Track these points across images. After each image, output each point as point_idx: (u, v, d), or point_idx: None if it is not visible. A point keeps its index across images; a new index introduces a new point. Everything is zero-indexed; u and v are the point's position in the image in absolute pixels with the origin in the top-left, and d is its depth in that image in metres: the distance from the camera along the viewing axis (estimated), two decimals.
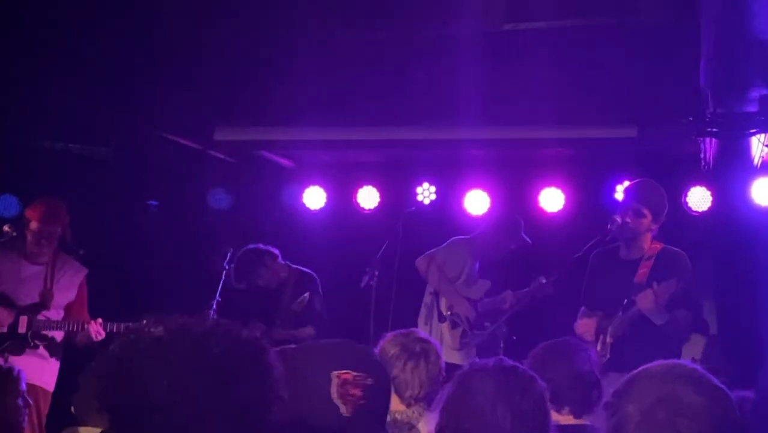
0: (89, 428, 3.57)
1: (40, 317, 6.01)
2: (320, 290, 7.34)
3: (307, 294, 7.15)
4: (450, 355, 6.72)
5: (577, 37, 6.15)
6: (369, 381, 2.06)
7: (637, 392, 2.08)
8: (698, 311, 6.61)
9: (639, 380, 2.12)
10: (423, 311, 7.25)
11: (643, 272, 5.54)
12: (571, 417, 3.56)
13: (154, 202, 8.02)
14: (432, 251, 7.17)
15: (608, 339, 5.40)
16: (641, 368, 2.17)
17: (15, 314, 5.96)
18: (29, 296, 6.05)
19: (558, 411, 3.51)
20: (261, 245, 7.34)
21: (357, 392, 2.04)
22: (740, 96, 6.00)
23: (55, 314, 6.08)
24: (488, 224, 7.41)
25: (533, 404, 2.44)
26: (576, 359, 3.61)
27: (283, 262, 7.38)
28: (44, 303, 6.04)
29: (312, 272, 7.40)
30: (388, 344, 3.89)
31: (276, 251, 7.31)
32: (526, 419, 2.40)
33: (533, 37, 6.25)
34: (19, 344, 5.91)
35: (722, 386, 2.09)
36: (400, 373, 3.81)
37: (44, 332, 5.99)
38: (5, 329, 5.90)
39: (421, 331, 4.13)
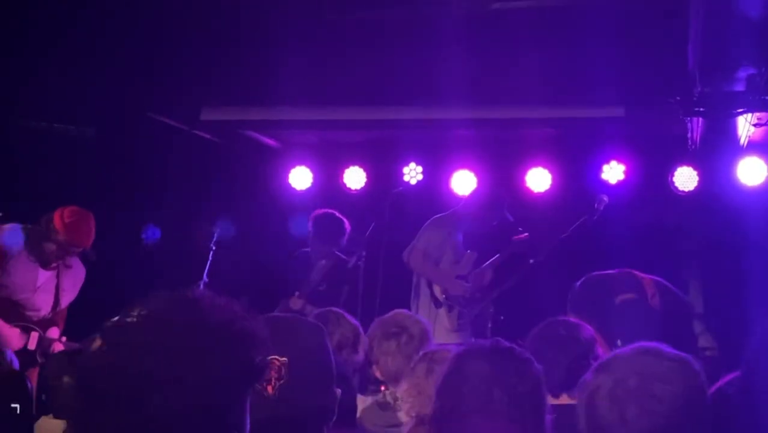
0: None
1: (48, 333, 5.91)
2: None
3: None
4: (448, 337, 6.74)
5: (564, 17, 6.13)
6: (283, 359, 2.12)
7: (611, 366, 2.21)
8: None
9: (613, 358, 2.26)
10: (413, 292, 7.24)
11: None
12: (565, 396, 3.55)
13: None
14: (413, 241, 7.12)
15: None
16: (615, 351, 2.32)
17: (27, 330, 5.84)
18: (42, 307, 5.90)
19: (556, 396, 3.51)
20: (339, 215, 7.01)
21: (271, 373, 2.10)
22: (727, 75, 6.00)
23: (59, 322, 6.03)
24: (473, 198, 7.36)
25: (529, 387, 2.42)
26: (570, 339, 3.59)
27: None
28: (53, 314, 5.97)
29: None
30: (373, 326, 3.93)
31: None
32: (521, 401, 2.38)
33: (520, 17, 6.22)
34: (28, 360, 5.63)
35: (686, 356, 2.24)
36: (377, 353, 3.85)
37: (50, 349, 5.86)
38: (19, 348, 5.72)
39: (408, 311, 4.15)
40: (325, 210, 7.02)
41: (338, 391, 2.28)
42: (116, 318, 1.64)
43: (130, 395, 1.53)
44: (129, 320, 1.61)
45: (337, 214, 6.97)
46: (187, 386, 1.53)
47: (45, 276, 5.90)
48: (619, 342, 5.32)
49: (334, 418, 2.26)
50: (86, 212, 5.84)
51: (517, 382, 2.40)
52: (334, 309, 4.25)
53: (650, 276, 5.28)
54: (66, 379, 3.60)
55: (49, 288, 5.94)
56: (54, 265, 5.91)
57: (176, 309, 1.61)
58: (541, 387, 2.48)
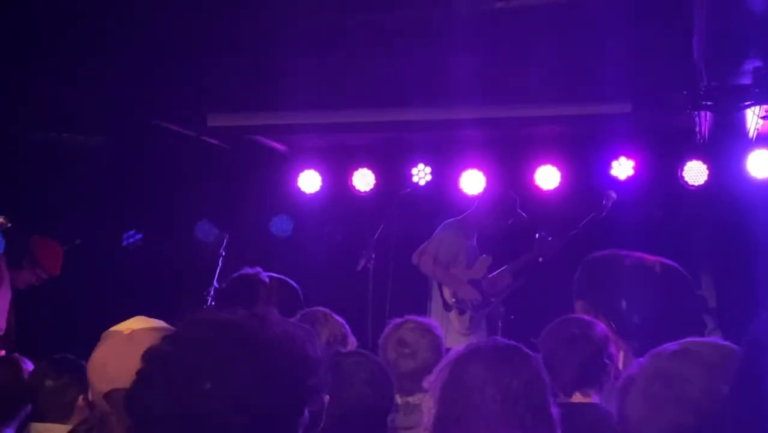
0: (56, 425, 3.65)
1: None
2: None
3: None
4: (459, 340, 6.70)
5: (569, 13, 6.11)
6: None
7: (654, 357, 2.17)
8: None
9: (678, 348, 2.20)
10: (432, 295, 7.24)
11: None
12: (578, 394, 3.53)
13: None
14: (424, 244, 7.10)
15: None
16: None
17: None
18: (2, 327, 6.04)
19: (569, 395, 3.50)
20: (256, 272, 5.69)
21: None
22: (734, 68, 5.97)
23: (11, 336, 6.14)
24: (483, 202, 7.36)
25: (525, 383, 2.34)
26: (583, 337, 3.56)
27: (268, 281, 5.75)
28: (10, 328, 6.07)
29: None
30: (386, 340, 3.91)
31: (265, 277, 5.67)
32: (517, 399, 2.31)
33: (526, 15, 6.21)
34: None
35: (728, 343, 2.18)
36: (393, 371, 3.84)
37: None
38: None
39: (422, 321, 4.11)
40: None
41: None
42: (180, 330, 1.67)
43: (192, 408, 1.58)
44: (190, 335, 1.65)
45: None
46: (242, 403, 1.59)
47: (8, 294, 6.05)
48: (623, 303, 5.30)
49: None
50: (57, 243, 6.17)
51: (511, 379, 2.32)
52: (321, 308, 4.22)
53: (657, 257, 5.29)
54: (48, 382, 3.71)
55: (4, 307, 6.06)
56: None
57: (239, 324, 1.65)
58: (539, 381, 2.39)
